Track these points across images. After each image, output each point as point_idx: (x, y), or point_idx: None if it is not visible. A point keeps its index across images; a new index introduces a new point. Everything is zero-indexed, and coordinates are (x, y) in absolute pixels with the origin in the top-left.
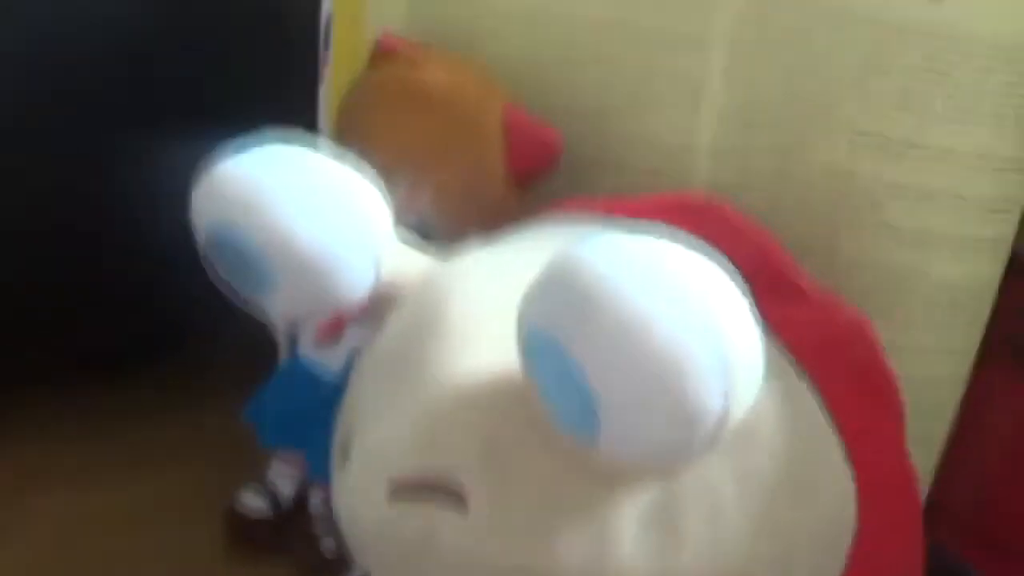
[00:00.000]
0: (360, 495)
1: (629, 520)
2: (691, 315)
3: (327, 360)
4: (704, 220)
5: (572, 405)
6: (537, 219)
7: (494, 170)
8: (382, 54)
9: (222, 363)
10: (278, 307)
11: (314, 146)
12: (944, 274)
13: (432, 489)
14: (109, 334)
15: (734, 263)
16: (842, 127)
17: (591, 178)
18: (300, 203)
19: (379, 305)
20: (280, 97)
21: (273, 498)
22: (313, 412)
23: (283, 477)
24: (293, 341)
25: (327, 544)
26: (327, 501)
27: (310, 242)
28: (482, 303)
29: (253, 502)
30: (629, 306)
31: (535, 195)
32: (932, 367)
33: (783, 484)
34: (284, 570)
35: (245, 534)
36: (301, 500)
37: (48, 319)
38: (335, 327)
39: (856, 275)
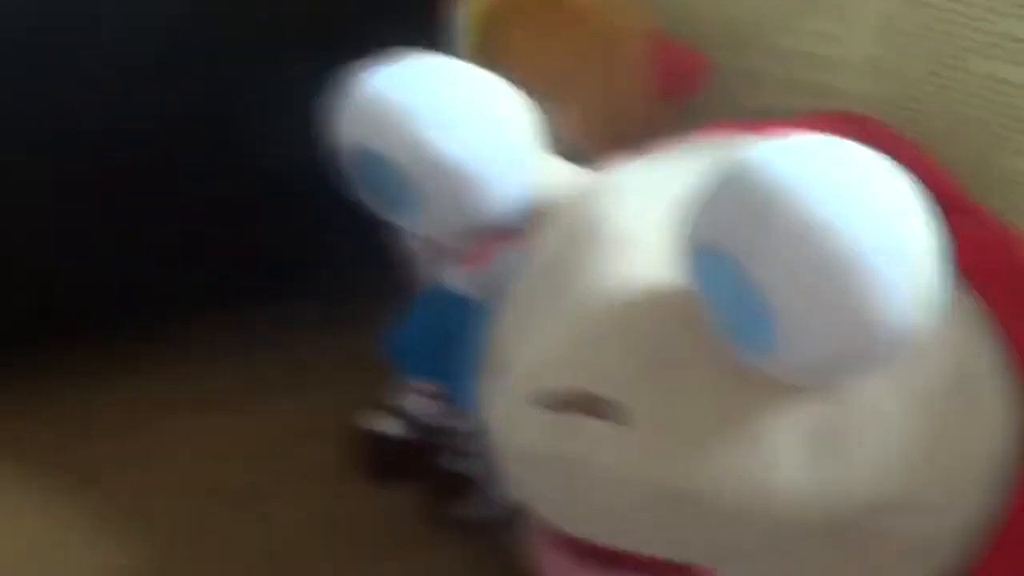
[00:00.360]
0: (515, 411)
1: (795, 440)
2: (879, 220)
3: (473, 288)
4: (860, 136)
5: (746, 317)
6: (689, 139)
7: (638, 90)
8: None
9: (360, 294)
10: (424, 226)
11: (455, 61)
12: None
13: (590, 406)
14: (240, 265)
15: None
16: (1001, 36)
17: (741, 92)
18: (444, 117)
19: (530, 220)
20: (407, 18)
21: (409, 424)
22: (457, 342)
23: (419, 407)
24: (438, 269)
25: (460, 470)
26: (467, 429)
27: (456, 156)
28: (640, 216)
29: (389, 425)
30: (812, 210)
31: (685, 109)
32: None
33: (951, 405)
34: (415, 495)
35: (379, 457)
36: (436, 431)
37: (178, 251)
38: (485, 253)
39: (1012, 192)
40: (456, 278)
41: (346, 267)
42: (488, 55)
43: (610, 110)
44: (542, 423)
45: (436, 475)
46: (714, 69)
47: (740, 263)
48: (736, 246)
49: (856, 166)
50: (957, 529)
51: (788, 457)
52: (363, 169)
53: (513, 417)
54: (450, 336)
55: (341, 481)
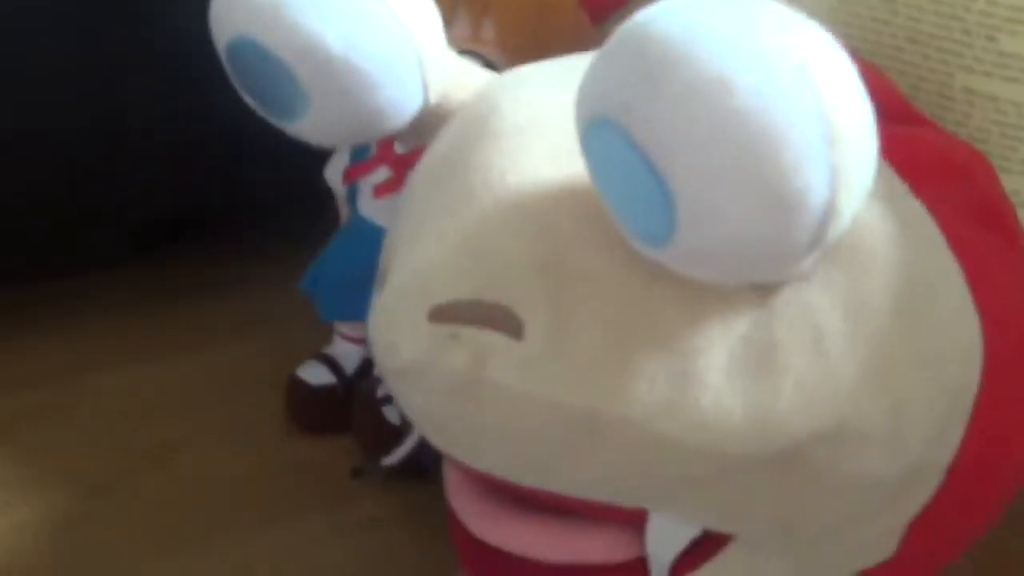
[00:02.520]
0: (398, 322)
1: (718, 354)
2: (785, 71)
3: (388, 219)
4: None
5: (642, 200)
6: None
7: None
8: None
9: (276, 239)
10: (313, 130)
11: None
12: None
13: (481, 316)
14: (165, 209)
15: None
16: None
17: None
18: (329, 6)
19: (433, 129)
20: None
21: (336, 370)
22: (373, 277)
23: (345, 350)
24: (352, 203)
25: (390, 415)
26: None
27: (343, 49)
28: (539, 109)
29: (315, 374)
30: (704, 61)
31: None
32: None
33: (899, 320)
34: (347, 442)
35: (308, 407)
36: (364, 374)
37: (99, 199)
38: (394, 180)
39: (972, 112)
40: (371, 208)
41: (273, 209)
42: None
43: (534, 21)
44: (427, 336)
45: (361, 424)
46: None
47: (629, 133)
48: (623, 113)
49: (760, 15)
50: (909, 467)
51: (711, 375)
52: (242, 64)
53: (397, 329)
54: (367, 272)
55: (269, 434)
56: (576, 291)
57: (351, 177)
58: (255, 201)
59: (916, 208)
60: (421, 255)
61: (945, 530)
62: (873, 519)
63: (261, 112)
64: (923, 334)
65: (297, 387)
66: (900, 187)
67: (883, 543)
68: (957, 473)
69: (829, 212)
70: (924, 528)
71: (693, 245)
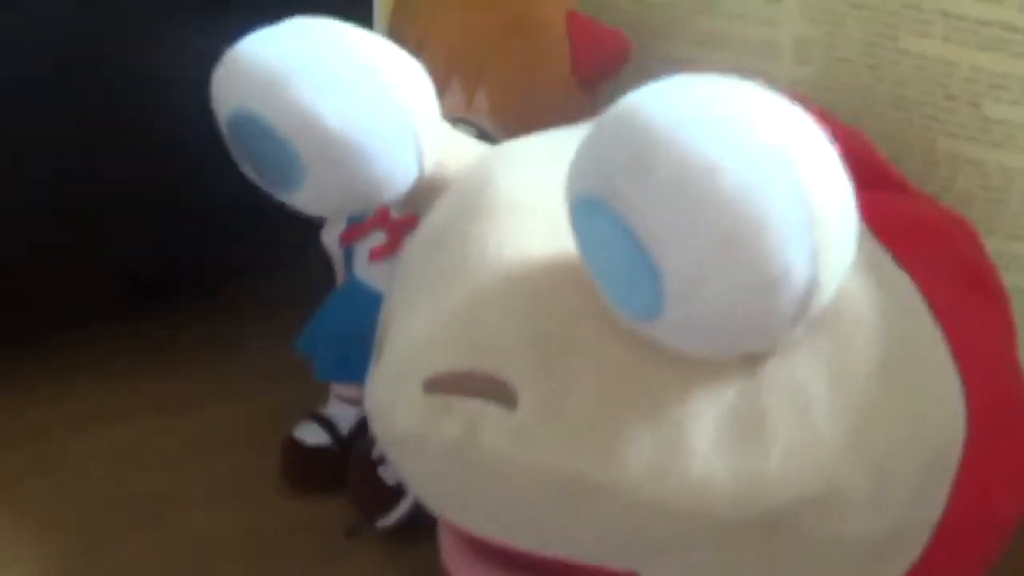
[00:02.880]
0: (393, 391)
1: (706, 421)
2: (768, 158)
3: (383, 282)
4: None
5: (630, 277)
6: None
7: (557, 69)
8: None
9: (280, 297)
10: (310, 201)
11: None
12: None
13: (475, 386)
14: (162, 268)
15: None
16: (934, 12)
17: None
18: (327, 79)
19: (428, 199)
20: None
21: (332, 431)
22: (369, 340)
23: (342, 411)
24: (348, 265)
25: (386, 475)
26: None
27: (339, 121)
28: (533, 184)
29: (312, 434)
30: (691, 149)
31: (603, 95)
32: None
33: (883, 385)
34: (342, 502)
35: (303, 467)
36: (360, 435)
37: (94, 253)
38: (389, 244)
39: (956, 177)
40: (366, 272)
41: (269, 268)
42: (407, 28)
43: (526, 90)
44: (423, 405)
45: (357, 484)
46: (633, 52)
47: (618, 214)
48: (612, 194)
49: (744, 101)
50: (892, 527)
51: (699, 442)
52: (241, 136)
53: (393, 400)
54: (362, 335)
55: (261, 492)
56: (568, 362)
57: (347, 240)
58: (251, 260)
59: (898, 275)
60: (416, 326)
61: None
62: None
63: (260, 184)
64: (906, 398)
65: (293, 447)
66: (882, 255)
67: None
68: (943, 532)
69: (811, 287)
70: None
71: (680, 321)
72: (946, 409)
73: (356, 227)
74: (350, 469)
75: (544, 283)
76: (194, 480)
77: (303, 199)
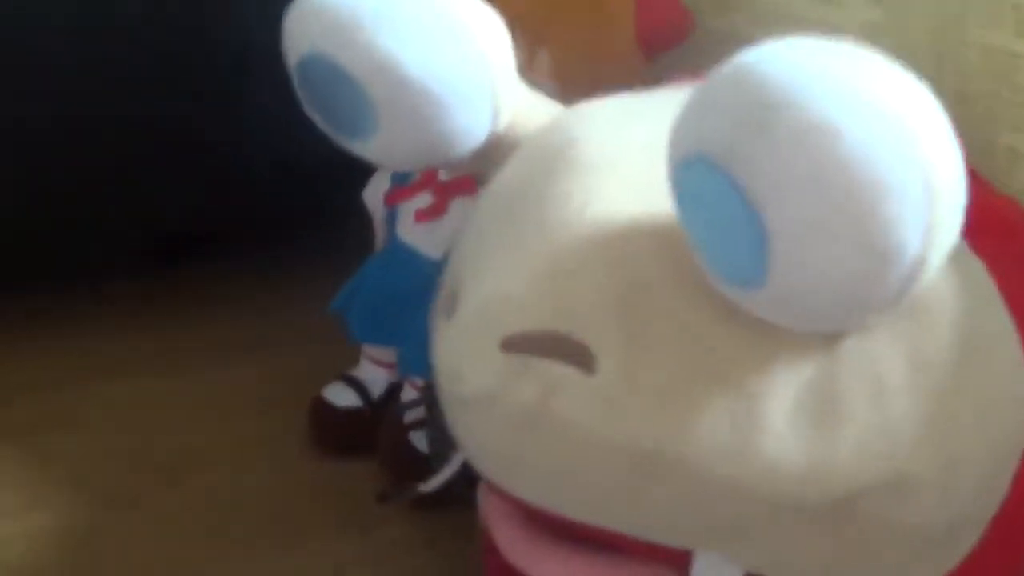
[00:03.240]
0: (468, 351)
1: (783, 398)
2: (891, 127)
3: (427, 245)
4: None
5: (735, 241)
6: (666, 85)
7: (621, 35)
8: None
9: (316, 258)
10: (381, 151)
11: None
12: None
13: (554, 348)
14: (198, 225)
15: None
16: (1005, 4)
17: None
18: (405, 27)
19: (498, 157)
20: None
21: (363, 394)
22: (409, 303)
23: (373, 374)
24: (391, 226)
25: (417, 441)
26: (422, 396)
27: (418, 70)
28: (615, 145)
29: (342, 396)
30: (814, 110)
31: (665, 66)
32: None
33: (958, 375)
34: (369, 466)
35: (332, 428)
36: (392, 399)
37: (127, 210)
38: (436, 206)
39: (1015, 172)
40: (410, 233)
41: (293, 229)
42: None
43: (590, 55)
44: (498, 365)
45: (389, 450)
46: (696, 25)
47: (729, 173)
48: (724, 153)
49: (864, 68)
50: (955, 518)
51: (775, 421)
52: (313, 80)
53: (466, 358)
54: (402, 298)
55: (289, 454)
56: (650, 329)
57: (392, 201)
58: (288, 220)
59: (975, 265)
60: (494, 285)
61: None
62: (913, 568)
63: (327, 131)
64: (980, 389)
65: (323, 408)
66: (960, 244)
67: None
68: (1000, 522)
69: (920, 264)
70: None
71: (783, 290)
72: (1015, 403)
73: (403, 188)
74: (381, 434)
75: (628, 247)
76: (220, 438)
77: (374, 149)
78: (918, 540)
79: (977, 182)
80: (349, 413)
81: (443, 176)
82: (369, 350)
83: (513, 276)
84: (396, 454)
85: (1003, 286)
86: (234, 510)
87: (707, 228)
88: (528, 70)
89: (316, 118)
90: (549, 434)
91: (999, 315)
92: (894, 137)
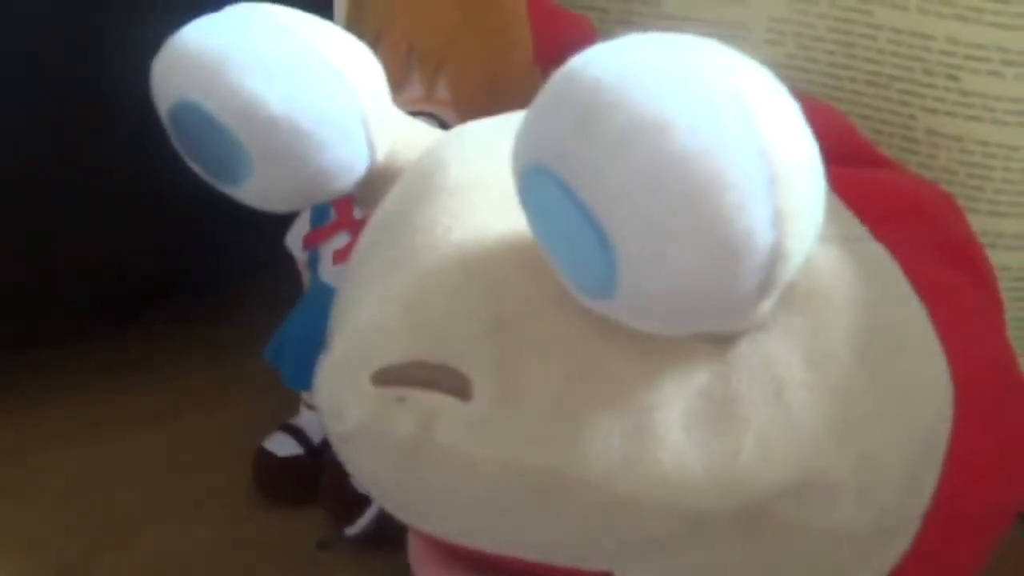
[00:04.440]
0: (342, 387)
1: (676, 407)
2: (723, 112)
3: None
4: None
5: (582, 252)
6: None
7: (519, 57)
8: None
9: (245, 307)
10: (258, 193)
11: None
12: None
13: (427, 377)
14: (122, 284)
15: None
16: None
17: None
18: (271, 65)
19: (383, 189)
20: None
21: (303, 440)
22: None
23: (311, 420)
24: (313, 269)
25: (357, 484)
26: None
27: (283, 108)
28: (484, 164)
29: (282, 445)
30: (639, 105)
31: None
32: (1023, 257)
33: (864, 366)
34: (315, 513)
35: (276, 478)
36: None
37: (62, 269)
38: (354, 244)
39: (937, 154)
40: (331, 274)
41: (239, 278)
42: (364, 20)
43: (488, 79)
44: (372, 400)
45: (328, 494)
46: (598, 36)
47: (563, 181)
48: (557, 160)
49: (697, 55)
50: (880, 518)
51: (670, 430)
52: (184, 128)
53: (341, 395)
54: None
55: (236, 506)
56: (524, 349)
57: (310, 243)
58: (222, 268)
59: (876, 251)
60: (364, 317)
61: None
62: (849, 573)
63: (206, 177)
64: (889, 380)
65: (264, 459)
66: (859, 230)
67: None
68: (933, 521)
69: (776, 255)
70: None
71: (637, 295)
72: (932, 390)
73: (319, 230)
74: (321, 479)
75: (497, 265)
76: (168, 495)
77: (250, 191)
78: (844, 545)
79: (883, 165)
80: (290, 461)
81: (358, 214)
82: (305, 396)
83: (382, 307)
84: (336, 498)
85: (911, 271)
86: (181, 566)
87: (556, 240)
88: (429, 101)
89: (195, 167)
90: (434, 465)
91: (906, 301)
92: (729, 125)
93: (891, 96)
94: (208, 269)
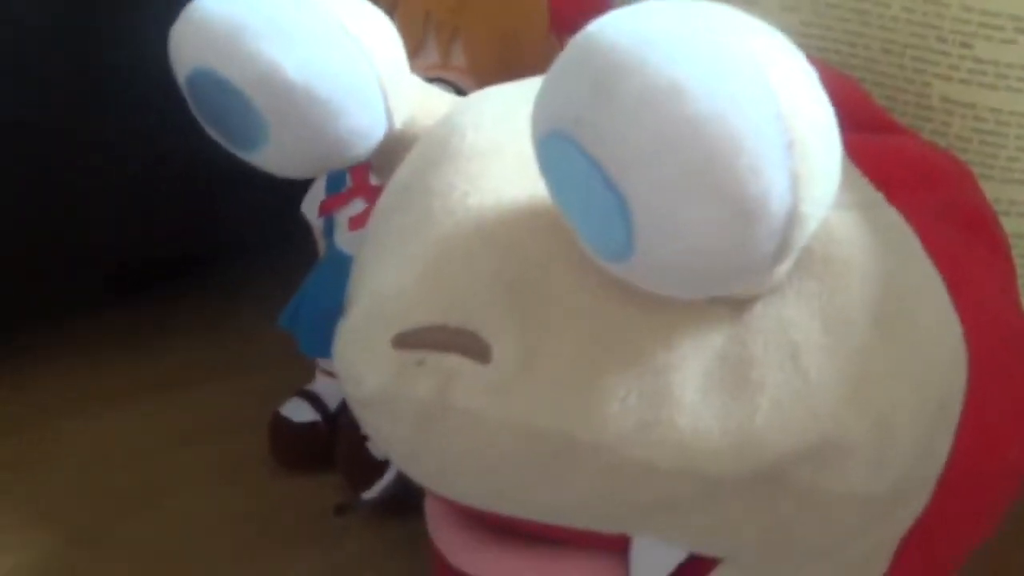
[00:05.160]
0: (362, 352)
1: (693, 371)
2: (739, 75)
3: None
4: None
5: (601, 215)
6: None
7: (534, 24)
8: None
9: (260, 277)
10: (275, 160)
11: None
12: None
13: (447, 341)
14: (142, 258)
15: None
16: None
17: None
18: (288, 31)
19: (400, 153)
20: None
21: (319, 407)
22: None
23: (328, 387)
24: (329, 236)
25: (374, 449)
26: None
27: (300, 74)
28: (501, 129)
29: (299, 412)
30: (655, 68)
31: None
32: None
33: (879, 330)
34: (332, 479)
35: (292, 444)
36: (347, 409)
37: (78, 243)
38: (369, 212)
39: (951, 122)
40: (347, 242)
41: (255, 246)
42: None
43: (504, 46)
44: (392, 363)
45: (345, 459)
46: (613, 3)
47: (581, 145)
48: (574, 125)
49: (713, 19)
50: (896, 482)
51: (686, 392)
52: (202, 95)
53: (360, 360)
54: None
55: (255, 474)
56: (543, 312)
57: (326, 209)
58: (236, 239)
59: (892, 217)
60: (383, 282)
61: (938, 545)
62: (862, 537)
63: (224, 144)
64: (904, 345)
65: (280, 425)
66: (874, 196)
67: (875, 561)
68: (947, 485)
69: (792, 219)
70: (916, 544)
71: (653, 259)
72: (946, 354)
73: (336, 197)
74: (338, 444)
75: (515, 229)
76: (186, 464)
77: (268, 158)
78: (862, 506)
79: (897, 132)
80: (306, 428)
81: (374, 181)
82: (321, 363)
83: (400, 272)
84: (353, 463)
85: (926, 238)
86: (201, 533)
87: (574, 204)
88: (444, 68)
89: (213, 134)
90: (452, 428)
91: (921, 266)
92: (745, 88)
93: (905, 64)
94: (223, 239)
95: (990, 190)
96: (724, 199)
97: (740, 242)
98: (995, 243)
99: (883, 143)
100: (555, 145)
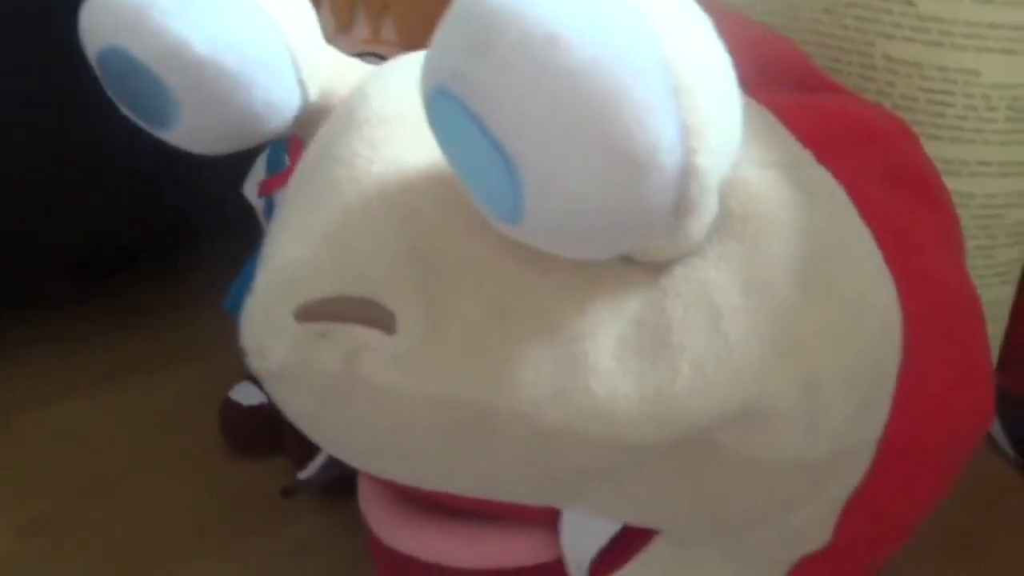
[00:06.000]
0: (265, 324)
1: (608, 337)
2: (619, 21)
3: None
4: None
5: (489, 176)
6: None
7: None
8: None
9: (213, 263)
10: (190, 136)
11: None
12: (997, 76)
13: (351, 312)
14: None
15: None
16: None
17: None
18: (195, 6)
19: (317, 125)
20: None
21: (263, 390)
22: None
23: None
24: (270, 217)
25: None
26: None
27: (208, 48)
28: (406, 98)
29: (247, 395)
30: (531, 18)
31: None
32: (987, 184)
33: (804, 291)
34: (283, 462)
35: (242, 428)
36: None
37: (30, 239)
38: None
39: (896, 81)
40: None
41: (205, 234)
42: None
43: (432, 13)
44: (296, 336)
45: (289, 441)
46: None
47: (463, 102)
48: (455, 81)
49: None
50: (831, 447)
51: (601, 360)
52: (113, 75)
53: (264, 333)
54: None
55: (209, 460)
56: (448, 278)
57: (267, 190)
58: (187, 227)
59: (820, 175)
60: (285, 253)
61: (883, 511)
62: (801, 505)
63: (139, 122)
64: (833, 305)
65: (230, 408)
66: (801, 154)
67: (817, 529)
68: (887, 449)
69: (687, 171)
70: (860, 511)
71: (544, 217)
72: (878, 313)
73: (275, 177)
74: (284, 426)
75: (418, 197)
76: (143, 450)
77: (183, 135)
78: (793, 472)
79: (837, 92)
80: (254, 410)
81: None
82: None
83: (304, 242)
84: (294, 444)
85: (858, 196)
86: (154, 520)
87: (465, 165)
88: (375, 42)
89: (128, 112)
90: (362, 401)
91: (851, 225)
92: (625, 37)
93: (847, 23)
94: (174, 228)
95: (938, 150)
96: (609, 152)
97: (631, 197)
98: (938, 203)
99: (816, 102)
100: (441, 102)
